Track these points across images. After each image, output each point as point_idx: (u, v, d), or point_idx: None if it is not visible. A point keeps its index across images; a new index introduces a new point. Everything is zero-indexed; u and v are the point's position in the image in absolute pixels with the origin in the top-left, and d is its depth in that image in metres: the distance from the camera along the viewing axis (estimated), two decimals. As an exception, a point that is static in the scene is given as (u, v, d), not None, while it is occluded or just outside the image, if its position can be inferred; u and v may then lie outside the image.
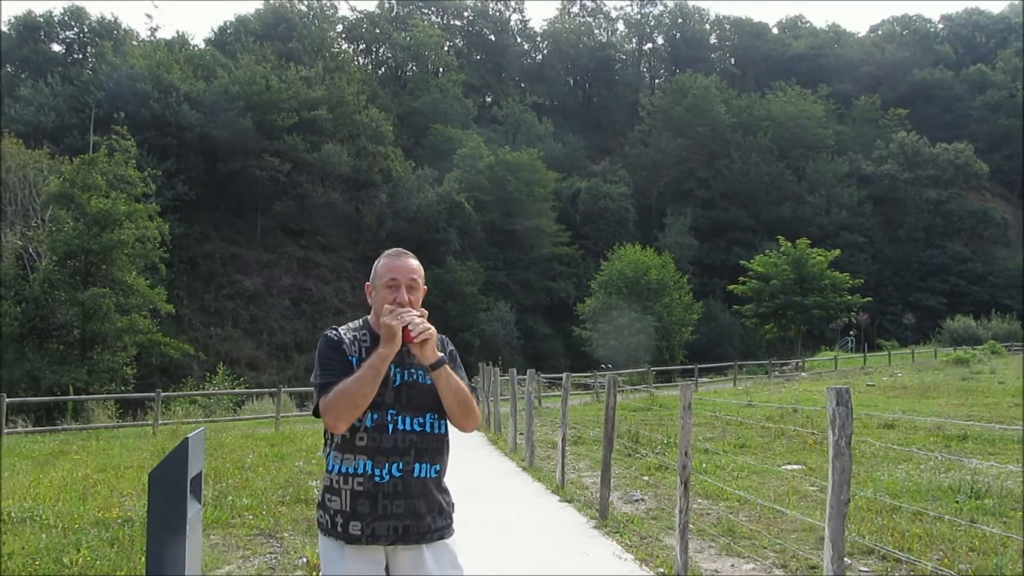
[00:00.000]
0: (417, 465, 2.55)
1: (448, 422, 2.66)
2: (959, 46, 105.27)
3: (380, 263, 2.70)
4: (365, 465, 2.52)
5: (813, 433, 11.98)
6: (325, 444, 2.66)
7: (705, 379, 33.57)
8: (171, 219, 41.18)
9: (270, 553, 6.12)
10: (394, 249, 2.76)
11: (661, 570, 5.50)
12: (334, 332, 2.68)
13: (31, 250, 31.79)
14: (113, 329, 28.40)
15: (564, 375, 10.58)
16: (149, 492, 2.98)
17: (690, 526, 5.46)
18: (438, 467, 2.62)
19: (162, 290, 32.12)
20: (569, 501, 8.23)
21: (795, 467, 9.93)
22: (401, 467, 2.52)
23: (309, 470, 10.21)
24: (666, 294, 42.46)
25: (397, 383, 2.58)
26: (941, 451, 10.68)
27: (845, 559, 3.78)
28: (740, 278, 48.42)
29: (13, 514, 7.22)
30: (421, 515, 2.54)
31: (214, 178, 57.99)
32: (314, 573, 5.47)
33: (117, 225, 29.33)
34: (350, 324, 2.75)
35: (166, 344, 31.76)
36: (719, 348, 57.43)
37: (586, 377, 29.09)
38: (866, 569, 5.50)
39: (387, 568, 2.57)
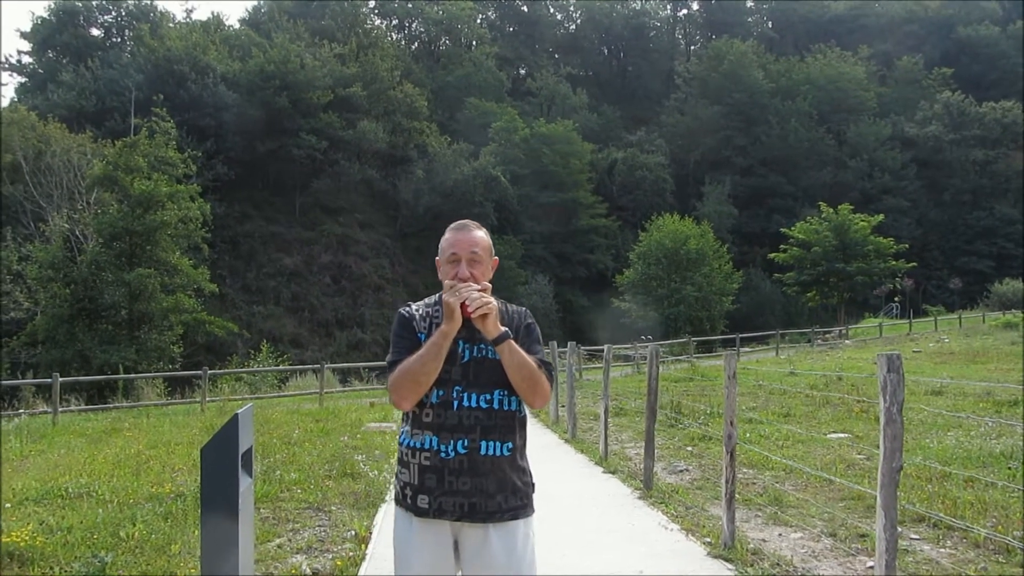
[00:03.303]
0: (484, 442, 2.50)
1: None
2: (1005, 1, 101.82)
3: (444, 237, 2.66)
4: (431, 441, 2.50)
5: (860, 401, 11.82)
6: (402, 418, 2.66)
7: (747, 349, 33.31)
8: (212, 199, 41.69)
9: (319, 526, 6.22)
10: (459, 222, 2.71)
11: (708, 539, 5.49)
12: (406, 309, 2.67)
13: (78, 232, 32.43)
14: (159, 309, 28.93)
15: (605, 347, 10.56)
16: (202, 467, 3.03)
17: (736, 495, 5.43)
18: (510, 445, 2.54)
19: (205, 270, 32.58)
20: (613, 472, 8.25)
21: (841, 435, 9.82)
22: (467, 444, 2.48)
23: (354, 445, 10.33)
24: (706, 264, 42.08)
25: (465, 359, 2.54)
26: (992, 417, 10.49)
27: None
28: (781, 246, 47.83)
29: (71, 489, 7.42)
30: (490, 494, 2.49)
31: (252, 158, 58.51)
32: (363, 546, 5.55)
33: (160, 206, 29.78)
34: (426, 299, 2.72)
35: (211, 323, 32.29)
36: (760, 317, 56.77)
37: (626, 349, 29.01)
38: (917, 537, 5.43)
39: (456, 544, 2.56)
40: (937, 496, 6.42)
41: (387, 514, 6.56)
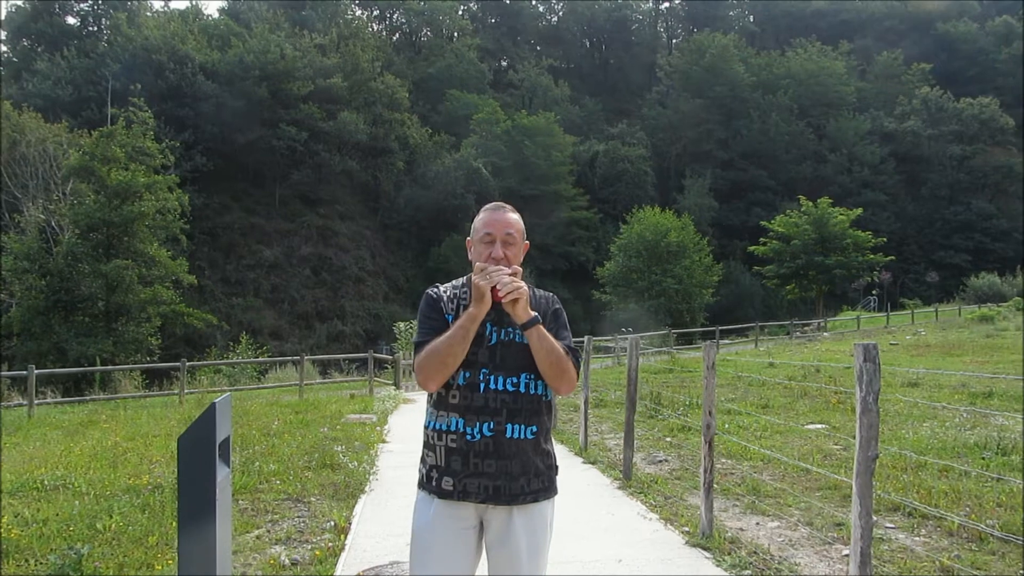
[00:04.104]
0: (509, 425, 2.50)
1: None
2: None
3: (478, 217, 2.67)
4: (457, 423, 2.50)
5: (837, 392, 11.93)
6: (427, 400, 2.67)
7: (726, 341, 33.51)
8: (190, 190, 41.33)
9: (298, 517, 6.20)
10: (494, 203, 2.72)
11: (686, 529, 5.52)
12: (434, 290, 2.67)
13: (54, 224, 32.05)
14: (137, 300, 28.69)
15: (585, 338, 10.60)
16: (179, 457, 3.00)
17: (714, 485, 5.47)
18: (534, 428, 2.55)
19: (184, 261, 32.34)
20: (593, 463, 8.28)
21: (819, 426, 9.91)
22: (493, 426, 2.48)
23: (334, 436, 10.30)
24: (686, 256, 42.21)
25: (493, 342, 2.54)
26: (966, 408, 10.62)
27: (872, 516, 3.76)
28: (760, 239, 48.13)
29: (47, 482, 7.36)
30: (514, 476, 2.50)
31: (231, 148, 57.98)
32: (342, 536, 5.54)
33: (137, 197, 29.51)
34: (455, 281, 2.72)
35: (189, 315, 32.04)
36: (740, 310, 57.15)
37: (607, 341, 29.10)
38: (892, 525, 5.50)
39: (482, 526, 2.56)
40: (912, 485, 6.49)
41: (366, 505, 6.56)
